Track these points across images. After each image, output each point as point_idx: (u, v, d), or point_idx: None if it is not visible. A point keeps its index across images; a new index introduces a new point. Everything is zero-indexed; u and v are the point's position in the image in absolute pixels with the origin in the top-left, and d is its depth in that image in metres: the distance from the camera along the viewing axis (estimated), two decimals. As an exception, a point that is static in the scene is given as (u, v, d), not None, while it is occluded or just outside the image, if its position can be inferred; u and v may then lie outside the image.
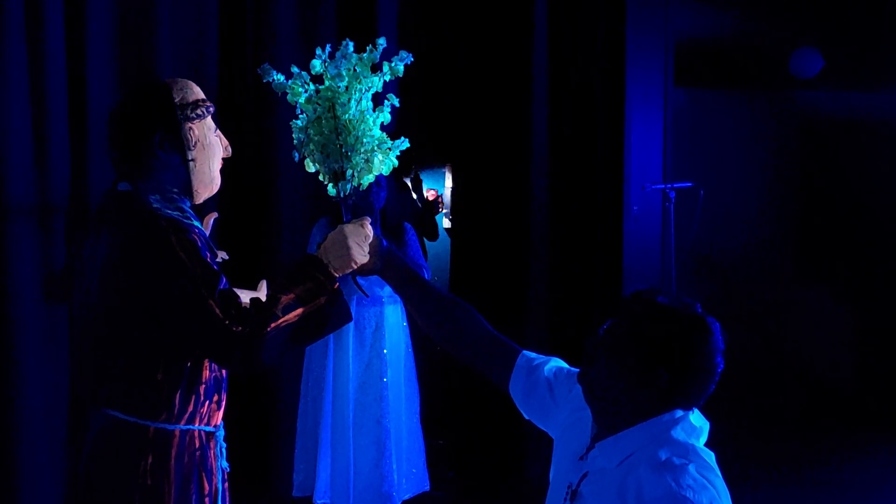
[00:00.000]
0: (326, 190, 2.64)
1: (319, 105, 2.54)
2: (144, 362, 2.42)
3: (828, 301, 7.96)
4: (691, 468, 1.95)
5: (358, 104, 2.54)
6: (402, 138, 2.62)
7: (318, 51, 2.54)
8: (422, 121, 6.45)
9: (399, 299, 4.99)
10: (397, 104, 2.59)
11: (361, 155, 2.56)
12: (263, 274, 3.20)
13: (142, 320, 2.38)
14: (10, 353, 4.64)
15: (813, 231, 8.05)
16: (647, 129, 6.00)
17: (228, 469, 2.67)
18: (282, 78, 2.56)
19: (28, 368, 4.68)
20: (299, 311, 2.40)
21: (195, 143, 2.56)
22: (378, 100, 2.60)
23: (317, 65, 2.54)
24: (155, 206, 2.44)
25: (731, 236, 7.80)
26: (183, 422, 2.48)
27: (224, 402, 2.63)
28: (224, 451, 2.64)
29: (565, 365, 2.42)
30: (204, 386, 2.52)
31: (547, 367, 2.39)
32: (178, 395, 2.45)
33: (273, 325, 2.34)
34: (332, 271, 2.51)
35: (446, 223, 8.13)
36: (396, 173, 4.41)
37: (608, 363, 2.08)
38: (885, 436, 7.06)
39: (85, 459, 2.50)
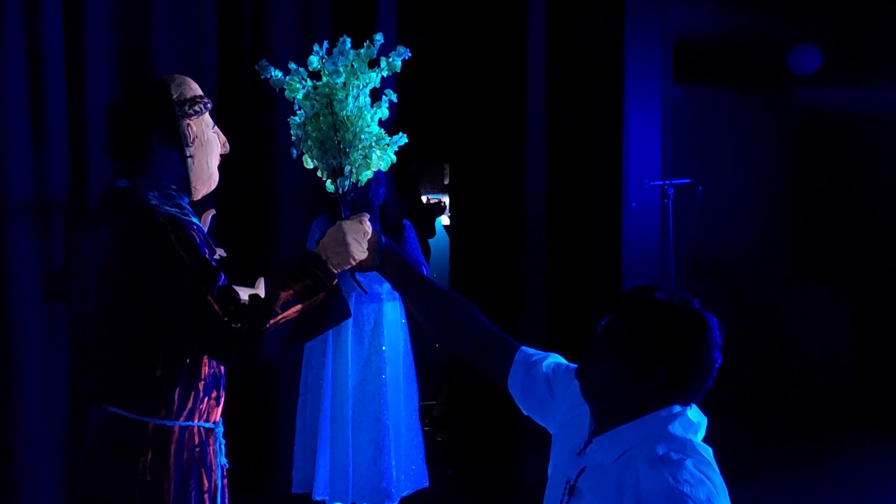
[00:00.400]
0: (325, 186, 2.64)
1: (317, 101, 2.53)
2: (143, 359, 2.42)
3: (826, 297, 7.96)
4: (689, 463, 1.95)
5: (356, 100, 2.53)
6: (400, 134, 2.62)
7: (316, 47, 2.54)
8: (420, 118, 6.45)
9: (398, 296, 4.99)
10: (395, 100, 2.59)
11: (359, 151, 2.56)
12: (262, 270, 3.20)
13: (140, 317, 2.38)
14: (10, 350, 4.65)
15: (811, 228, 8.05)
16: (645, 125, 6.00)
17: (228, 465, 2.67)
18: (279, 74, 2.56)
19: (27, 365, 4.69)
20: (298, 307, 2.40)
21: (193, 139, 2.56)
22: (376, 96, 2.60)
23: (314, 61, 2.54)
24: (153, 202, 2.44)
25: (730, 233, 7.80)
26: (182, 418, 2.48)
27: (223, 399, 2.63)
28: (223, 447, 2.64)
29: (564, 360, 2.42)
30: (203, 382, 2.52)
31: (545, 363, 2.39)
32: (177, 392, 2.45)
33: (272, 321, 2.34)
34: (331, 268, 2.50)
35: (445, 220, 8.13)
36: (396, 170, 4.42)
37: (606, 359, 2.08)
38: (883, 433, 7.06)
39: (84, 456, 2.50)
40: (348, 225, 2.54)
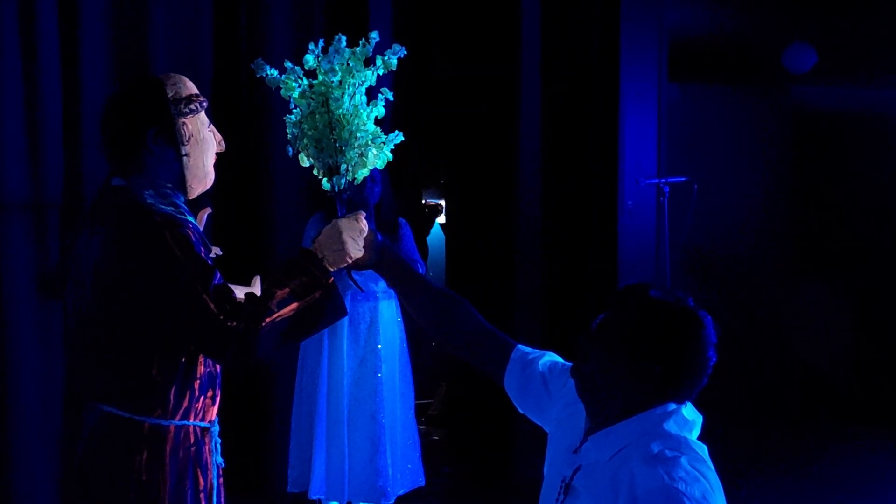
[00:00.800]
0: (321, 184, 2.64)
1: (313, 100, 2.53)
2: (139, 358, 2.42)
3: (823, 295, 7.97)
4: (683, 461, 1.95)
5: (351, 98, 2.53)
6: (397, 132, 2.62)
7: (312, 45, 2.53)
8: (415, 118, 6.44)
9: (393, 294, 5.00)
10: (391, 98, 2.59)
11: (355, 149, 2.55)
12: (257, 269, 3.20)
13: (136, 316, 2.38)
14: (5, 350, 4.64)
15: (807, 225, 8.06)
16: (641, 124, 6.00)
17: (223, 464, 2.66)
18: (275, 73, 2.56)
19: (22, 365, 4.68)
20: (294, 305, 2.40)
21: (189, 138, 2.56)
22: (372, 94, 2.60)
23: (310, 59, 2.53)
24: (149, 201, 2.44)
25: (725, 231, 7.81)
26: (178, 417, 2.48)
27: (219, 398, 2.63)
28: (219, 446, 2.64)
29: (560, 359, 2.42)
30: (199, 381, 2.51)
31: (541, 362, 2.39)
32: (172, 391, 2.45)
33: (268, 319, 2.34)
34: (327, 266, 2.50)
35: (441, 219, 8.13)
36: (395, 170, 4.41)
37: (601, 357, 2.08)
38: (881, 430, 7.07)
39: (79, 455, 2.50)
40: (344, 223, 2.54)
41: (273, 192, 5.42)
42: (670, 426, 2.03)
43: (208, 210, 2.84)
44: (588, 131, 5.98)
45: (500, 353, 2.44)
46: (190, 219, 2.51)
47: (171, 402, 2.46)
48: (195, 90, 2.61)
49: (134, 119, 2.52)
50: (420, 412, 5.39)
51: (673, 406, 2.05)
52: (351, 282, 2.75)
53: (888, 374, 7.69)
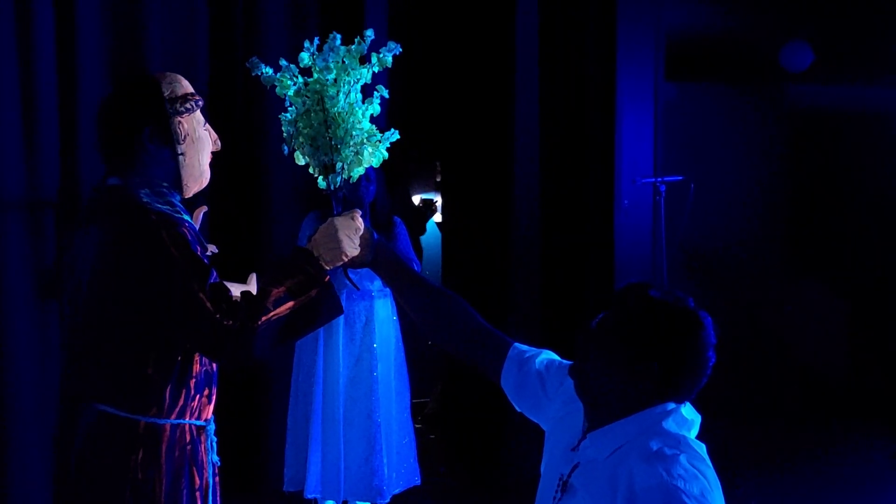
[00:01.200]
0: (316, 183, 2.64)
1: (308, 98, 2.53)
2: (135, 357, 2.41)
3: (819, 294, 7.97)
4: (682, 458, 1.95)
5: (347, 96, 2.53)
6: (392, 130, 2.61)
7: (307, 43, 2.53)
8: (411, 115, 6.44)
9: (389, 293, 5.01)
10: (386, 96, 2.59)
11: (351, 147, 2.55)
12: (253, 267, 3.19)
13: (132, 315, 2.38)
14: (1, 349, 4.63)
15: (804, 224, 8.06)
16: (637, 123, 6.00)
17: (219, 463, 2.67)
18: (270, 71, 2.56)
19: (19, 364, 4.67)
20: (290, 304, 2.40)
21: (185, 136, 2.56)
22: (367, 92, 2.60)
23: (305, 57, 2.53)
24: (145, 200, 2.44)
25: (722, 230, 7.80)
26: (173, 416, 2.48)
27: (215, 397, 2.63)
28: (215, 445, 2.64)
29: (557, 357, 2.42)
30: (194, 380, 2.51)
31: (538, 360, 2.39)
32: (168, 390, 2.45)
33: (264, 318, 2.34)
34: (323, 264, 2.50)
35: (437, 217, 8.12)
36: (387, 168, 4.41)
37: (600, 357, 2.08)
38: (877, 428, 7.08)
39: (75, 454, 2.50)
40: (340, 221, 2.54)
41: (269, 191, 5.42)
42: (669, 425, 2.03)
43: (204, 209, 2.84)
44: (585, 130, 5.97)
45: (496, 351, 2.44)
46: (186, 217, 2.51)
47: (167, 400, 2.46)
48: (191, 89, 2.61)
49: (130, 118, 2.52)
50: (416, 411, 5.38)
51: (672, 405, 2.06)
52: (346, 280, 2.74)
53: (885, 373, 7.69)
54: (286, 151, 2.63)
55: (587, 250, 5.99)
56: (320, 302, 2.47)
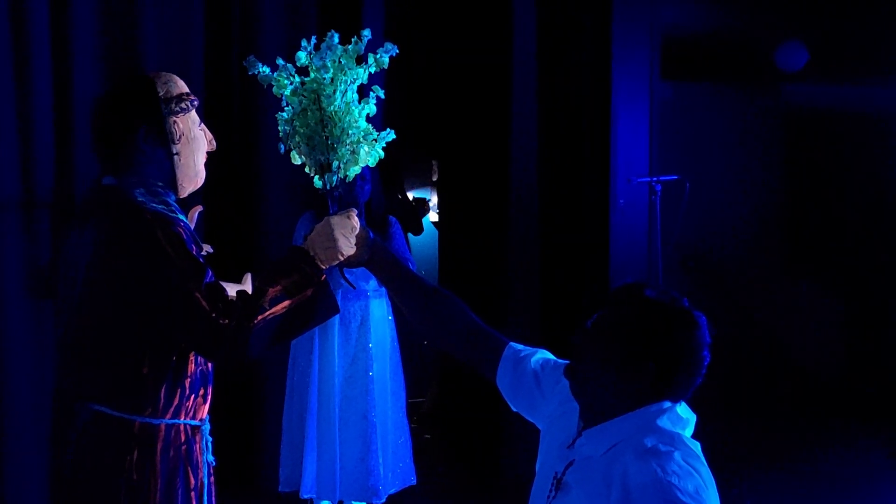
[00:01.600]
0: (312, 182, 2.64)
1: (305, 97, 2.53)
2: (130, 356, 2.41)
3: (814, 293, 7.98)
4: (677, 455, 1.96)
5: (343, 96, 2.53)
6: (388, 129, 2.61)
7: (304, 43, 2.53)
8: (408, 115, 6.44)
9: (384, 293, 5.01)
10: (382, 96, 2.58)
11: (347, 147, 2.55)
12: (249, 267, 3.19)
13: (127, 314, 2.38)
14: (-4, 349, 4.63)
15: (799, 223, 8.07)
16: (633, 122, 6.00)
17: (214, 463, 2.66)
18: (267, 70, 2.55)
19: (14, 364, 4.67)
20: (286, 303, 2.40)
21: (180, 136, 2.55)
22: (364, 92, 2.60)
23: (302, 57, 2.53)
24: (140, 199, 2.43)
25: (717, 229, 7.82)
26: (168, 416, 2.48)
27: (210, 396, 2.63)
28: (210, 445, 2.63)
29: (552, 356, 2.42)
30: (189, 380, 2.51)
31: (534, 359, 2.39)
32: (163, 389, 2.45)
33: (260, 317, 2.34)
34: (319, 263, 2.50)
35: (433, 217, 8.12)
36: (382, 168, 4.41)
37: (595, 356, 2.08)
38: (872, 426, 7.09)
39: (70, 455, 2.49)
40: (336, 220, 2.54)
41: (264, 190, 5.41)
42: (664, 423, 2.03)
43: (199, 208, 2.84)
44: (580, 129, 5.98)
45: (492, 350, 2.44)
46: (181, 217, 2.50)
47: (162, 400, 2.45)
48: (186, 89, 2.60)
49: (125, 118, 2.51)
50: (412, 411, 5.38)
51: (668, 404, 2.06)
52: (342, 280, 2.74)
53: (879, 372, 7.71)
54: (282, 150, 2.63)
55: (583, 249, 5.99)
56: (316, 301, 2.46)
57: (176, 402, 2.48)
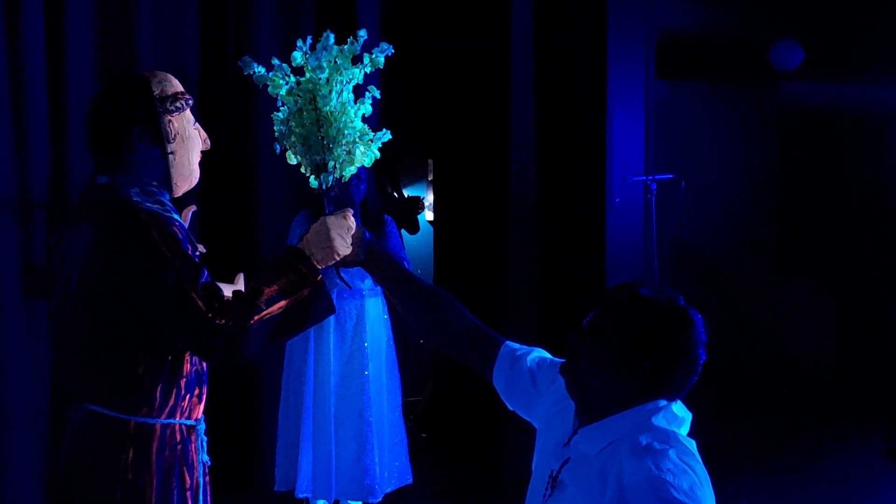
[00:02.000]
0: (307, 182, 2.63)
1: (300, 97, 2.53)
2: (125, 356, 2.41)
3: (810, 292, 7.98)
4: (672, 453, 1.96)
5: (339, 96, 2.53)
6: (384, 130, 2.61)
7: (299, 42, 2.53)
8: (404, 114, 6.44)
9: (380, 292, 5.00)
10: (378, 95, 2.58)
11: (343, 147, 2.55)
12: (244, 267, 3.19)
13: (123, 314, 2.37)
14: (-8, 348, 4.62)
15: (794, 222, 8.07)
16: (628, 121, 6.00)
17: (210, 463, 2.66)
18: (262, 70, 2.55)
19: (9, 364, 4.66)
20: (282, 303, 2.40)
21: (174, 135, 2.55)
22: (360, 92, 2.59)
23: (297, 57, 2.53)
24: (135, 199, 2.43)
25: (713, 228, 7.81)
26: (164, 415, 2.48)
27: (205, 396, 2.63)
28: (205, 444, 2.63)
29: (548, 355, 2.42)
30: (185, 379, 2.51)
31: (530, 358, 2.39)
32: (159, 389, 2.45)
33: (256, 317, 2.34)
34: (315, 263, 2.50)
35: (429, 216, 8.12)
36: (377, 169, 4.40)
37: (591, 355, 2.08)
38: (867, 425, 7.09)
39: (65, 454, 2.49)
40: (332, 220, 2.54)
41: (259, 190, 5.41)
42: (659, 421, 2.03)
43: (193, 208, 2.83)
44: (576, 129, 5.98)
45: (488, 349, 2.45)
46: (176, 217, 2.50)
47: (158, 400, 2.45)
48: (181, 88, 2.60)
49: (119, 117, 2.51)
50: (408, 410, 5.38)
51: (663, 402, 2.06)
52: (338, 279, 2.74)
53: (874, 371, 7.71)
54: (278, 150, 2.63)
55: (579, 248, 5.99)
56: (312, 301, 2.46)
57: (171, 401, 2.48)
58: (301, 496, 4.98)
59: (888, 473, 6.25)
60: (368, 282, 4.95)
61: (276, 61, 2.55)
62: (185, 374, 2.50)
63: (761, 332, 7.96)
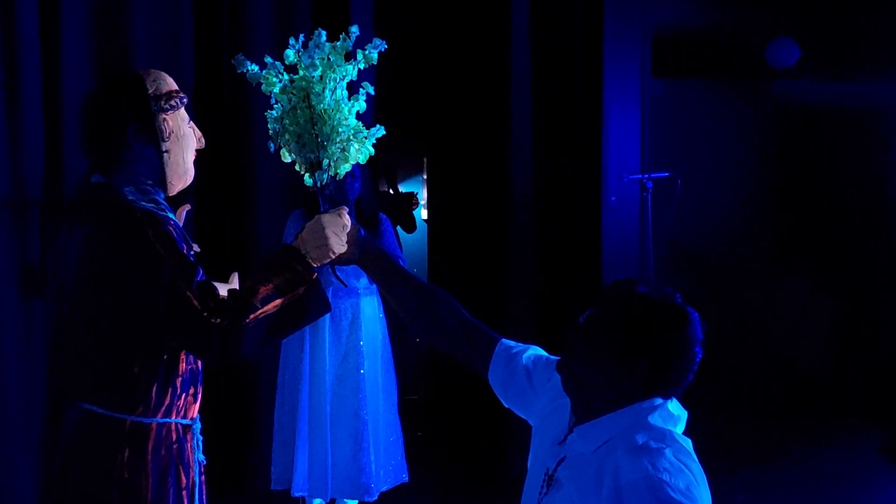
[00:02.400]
0: (302, 180, 2.63)
1: (294, 95, 2.52)
2: (121, 355, 2.41)
3: (806, 290, 7.99)
4: (668, 452, 1.96)
5: (332, 93, 2.52)
6: (378, 126, 2.60)
7: (292, 40, 2.52)
8: (398, 111, 6.43)
9: (375, 290, 5.00)
10: (372, 92, 2.58)
11: (337, 144, 2.54)
12: (238, 266, 3.19)
13: (118, 313, 2.38)
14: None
15: (790, 220, 8.08)
16: (624, 119, 6.00)
17: (205, 462, 2.66)
18: (255, 68, 2.55)
19: (4, 363, 4.65)
20: (278, 301, 2.40)
21: (169, 134, 2.55)
22: (354, 88, 2.59)
23: (290, 54, 2.52)
24: (130, 198, 2.43)
25: (709, 226, 7.82)
26: (160, 415, 2.48)
27: (200, 395, 2.63)
28: (201, 443, 2.64)
29: (544, 353, 2.42)
30: (180, 379, 2.51)
31: (525, 356, 2.39)
32: (154, 388, 2.44)
33: (252, 316, 2.34)
34: (311, 261, 2.50)
35: (424, 214, 8.11)
36: (372, 166, 4.39)
37: (587, 353, 2.08)
38: (863, 424, 7.10)
39: (61, 454, 2.49)
40: (327, 218, 2.53)
41: (254, 189, 5.40)
42: (655, 419, 2.04)
43: (187, 207, 2.84)
44: (573, 127, 5.97)
45: (483, 347, 2.45)
46: (171, 215, 2.50)
47: (153, 399, 2.45)
48: (175, 86, 2.60)
49: (114, 115, 2.51)
50: (405, 408, 5.37)
51: (659, 400, 2.06)
52: (333, 278, 2.74)
53: (869, 369, 7.72)
54: (272, 149, 2.62)
55: (575, 246, 5.99)
56: (308, 299, 2.46)
57: (167, 401, 2.47)
58: (297, 495, 4.97)
59: (884, 472, 6.26)
60: (364, 280, 4.94)
61: (268, 59, 2.54)
62: (180, 373, 2.50)
63: (758, 330, 7.97)
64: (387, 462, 5.10)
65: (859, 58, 7.60)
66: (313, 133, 2.52)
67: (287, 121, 2.56)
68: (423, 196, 8.21)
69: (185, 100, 2.60)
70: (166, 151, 2.55)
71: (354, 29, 2.53)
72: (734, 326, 7.66)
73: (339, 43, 2.52)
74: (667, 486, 1.89)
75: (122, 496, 2.41)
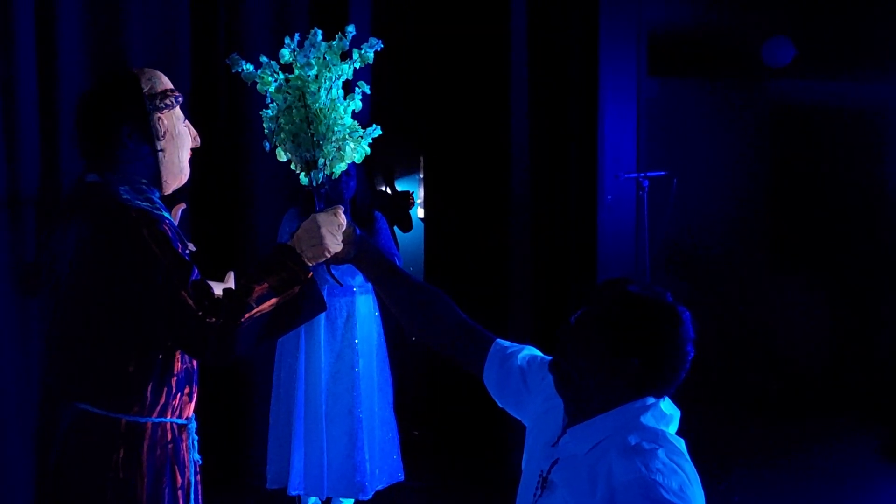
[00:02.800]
0: (297, 179, 2.63)
1: (290, 94, 2.52)
2: (116, 355, 2.41)
3: (801, 289, 7.99)
4: (661, 453, 1.96)
5: (328, 93, 2.52)
6: (374, 126, 2.60)
7: (287, 40, 2.52)
8: (395, 110, 6.43)
9: (370, 289, 5.01)
10: (368, 91, 2.58)
11: (333, 143, 2.54)
12: (234, 265, 3.18)
13: (113, 313, 2.37)
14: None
15: (786, 219, 8.09)
16: (620, 118, 6.00)
17: (201, 461, 2.66)
18: (251, 67, 2.54)
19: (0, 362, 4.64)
20: (273, 301, 2.39)
21: (164, 133, 2.55)
22: (349, 88, 2.59)
23: (286, 54, 2.52)
24: (125, 197, 2.42)
25: (705, 225, 7.83)
26: (155, 414, 2.47)
27: (195, 394, 2.62)
28: (196, 443, 2.63)
29: (539, 353, 2.42)
30: (176, 378, 2.50)
31: (520, 356, 2.39)
32: (149, 388, 2.44)
33: (247, 315, 2.33)
34: (306, 260, 2.49)
35: (420, 213, 8.11)
36: (367, 165, 4.39)
37: (579, 352, 2.08)
38: (858, 422, 7.11)
39: (56, 454, 2.48)
40: (323, 217, 2.53)
41: (250, 188, 5.40)
42: (648, 419, 2.03)
43: (182, 206, 2.83)
44: (568, 126, 5.97)
45: (478, 347, 2.44)
46: (166, 214, 2.50)
47: (149, 398, 2.45)
48: (170, 85, 2.60)
49: (109, 114, 2.51)
50: (400, 407, 5.37)
51: (651, 400, 2.06)
52: (328, 276, 2.73)
53: (864, 367, 7.73)
54: (268, 148, 2.62)
55: (571, 245, 5.99)
56: (303, 298, 2.46)
57: (162, 400, 2.47)
58: (293, 493, 4.97)
59: (880, 471, 6.27)
60: (359, 278, 4.95)
61: (264, 58, 2.54)
62: (175, 372, 2.50)
63: (754, 329, 7.98)
64: (382, 461, 5.10)
65: (854, 57, 7.61)
66: (309, 132, 2.52)
67: (282, 120, 2.55)
68: (419, 195, 8.21)
69: (180, 99, 2.60)
70: (161, 150, 2.54)
71: (350, 28, 2.53)
72: (730, 325, 7.67)
73: (334, 42, 2.52)
74: (660, 486, 1.89)
75: (118, 496, 2.41)
